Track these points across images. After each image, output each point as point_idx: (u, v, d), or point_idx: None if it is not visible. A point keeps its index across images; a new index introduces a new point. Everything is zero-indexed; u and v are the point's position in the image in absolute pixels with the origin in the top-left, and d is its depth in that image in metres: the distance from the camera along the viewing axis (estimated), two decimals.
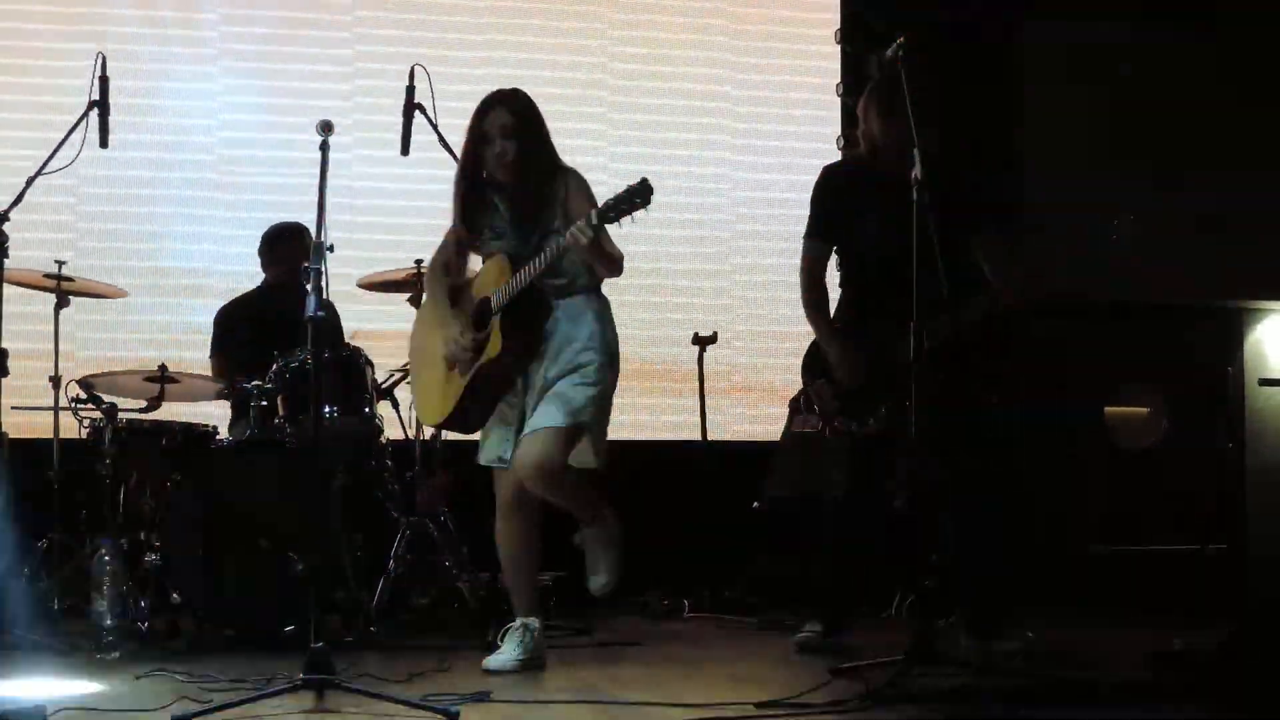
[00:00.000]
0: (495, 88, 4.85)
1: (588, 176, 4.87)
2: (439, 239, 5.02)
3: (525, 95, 4.87)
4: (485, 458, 4.88)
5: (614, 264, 4.71)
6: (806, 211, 5.44)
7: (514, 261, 4.72)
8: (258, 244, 6.61)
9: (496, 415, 4.85)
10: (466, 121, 4.83)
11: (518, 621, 4.85)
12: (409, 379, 5.12)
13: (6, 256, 5.37)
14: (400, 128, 5.82)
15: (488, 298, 4.77)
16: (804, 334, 5.51)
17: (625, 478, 5.22)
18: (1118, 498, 8.17)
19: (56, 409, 5.85)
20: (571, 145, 4.91)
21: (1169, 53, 8.15)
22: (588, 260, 4.65)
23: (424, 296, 5.23)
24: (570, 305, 4.80)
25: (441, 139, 5.74)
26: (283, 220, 6.54)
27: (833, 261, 5.53)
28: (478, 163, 4.86)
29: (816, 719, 3.89)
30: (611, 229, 4.54)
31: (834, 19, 7.89)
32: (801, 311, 5.39)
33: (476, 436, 4.96)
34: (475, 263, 5.04)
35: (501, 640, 4.85)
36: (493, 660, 4.78)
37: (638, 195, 4.39)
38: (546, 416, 4.66)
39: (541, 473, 4.65)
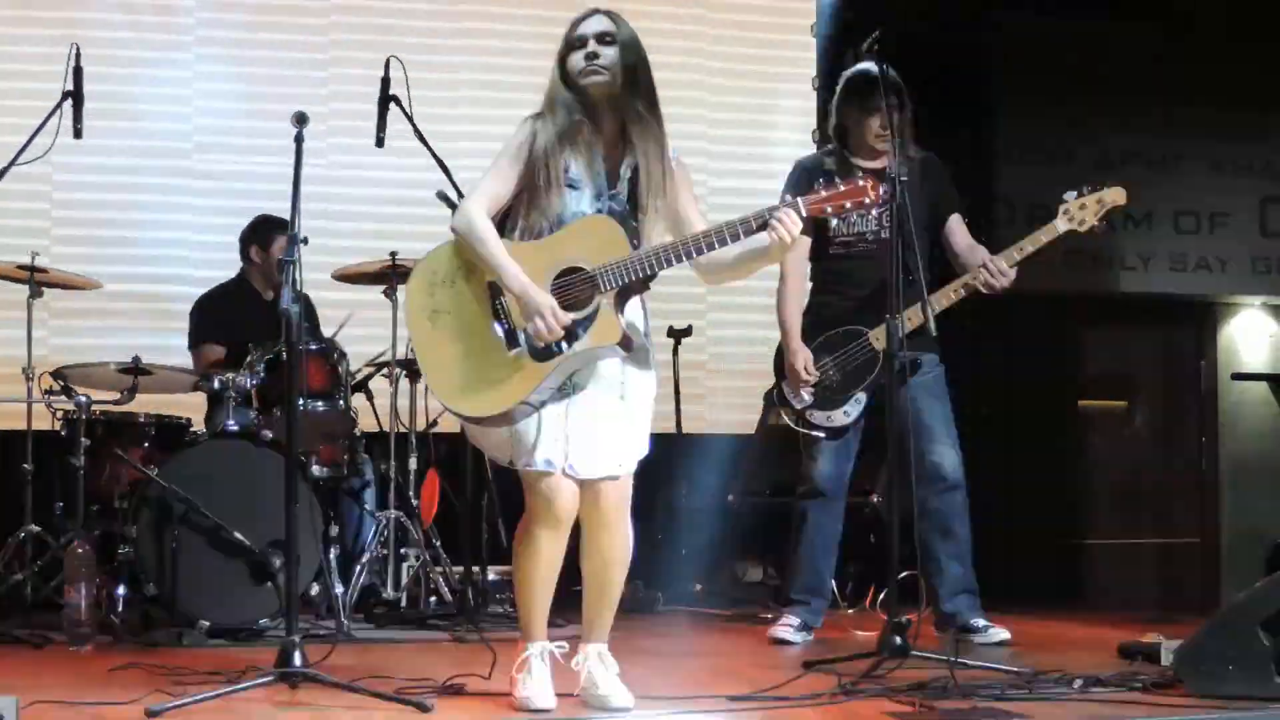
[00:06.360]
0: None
1: None
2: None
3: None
4: (545, 461, 3.81)
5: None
6: None
7: (625, 229, 3.87)
8: (235, 234, 6.58)
9: (547, 411, 3.85)
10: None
11: (540, 647, 4.03)
12: (417, 356, 4.05)
13: None
14: (375, 119, 5.82)
15: (584, 270, 3.80)
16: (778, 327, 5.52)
17: None
18: (1091, 490, 8.22)
19: (30, 401, 5.82)
20: None
21: (1139, 44, 8.19)
22: (758, 263, 4.00)
23: (448, 252, 3.91)
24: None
25: (416, 130, 5.72)
26: (260, 211, 6.52)
27: None
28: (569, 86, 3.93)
29: (790, 712, 3.90)
30: None
31: (810, 11, 7.88)
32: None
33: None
34: None
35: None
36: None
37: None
38: (640, 448, 4.03)
39: (626, 510, 4.07)
